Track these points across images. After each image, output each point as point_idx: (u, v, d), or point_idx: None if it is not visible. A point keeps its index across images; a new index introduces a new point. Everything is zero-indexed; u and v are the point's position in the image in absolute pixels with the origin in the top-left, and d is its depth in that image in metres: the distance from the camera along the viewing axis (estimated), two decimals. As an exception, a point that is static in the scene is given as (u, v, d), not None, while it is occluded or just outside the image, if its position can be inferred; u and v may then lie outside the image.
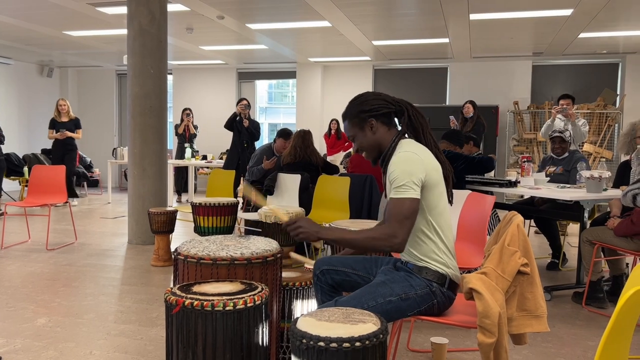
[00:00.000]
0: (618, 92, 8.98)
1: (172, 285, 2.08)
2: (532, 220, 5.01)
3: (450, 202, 1.96)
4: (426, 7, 6.10)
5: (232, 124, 6.73)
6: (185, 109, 9.27)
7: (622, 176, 4.29)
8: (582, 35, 7.32)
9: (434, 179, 1.85)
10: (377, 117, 1.94)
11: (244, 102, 6.80)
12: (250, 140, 6.83)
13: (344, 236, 1.80)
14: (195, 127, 9.32)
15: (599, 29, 6.97)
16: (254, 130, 6.83)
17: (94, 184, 10.94)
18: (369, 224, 3.17)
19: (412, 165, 1.80)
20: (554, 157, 4.89)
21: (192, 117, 9.26)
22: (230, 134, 6.90)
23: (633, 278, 1.15)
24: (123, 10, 6.33)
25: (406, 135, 1.98)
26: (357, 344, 1.30)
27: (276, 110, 21.11)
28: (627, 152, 4.17)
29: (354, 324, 1.37)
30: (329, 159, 8.71)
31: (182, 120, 9.22)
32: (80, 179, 9.89)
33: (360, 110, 1.95)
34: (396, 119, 2.00)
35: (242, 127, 6.74)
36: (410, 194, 1.77)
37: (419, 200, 1.79)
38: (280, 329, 2.34)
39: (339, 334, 1.32)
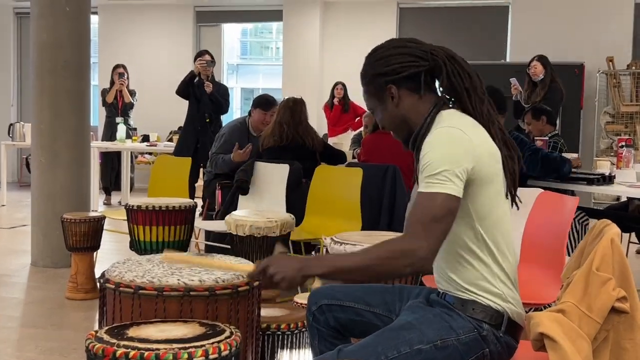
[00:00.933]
0: None
1: (96, 328, 2.09)
2: (633, 234, 5.04)
3: (515, 204, 1.96)
4: None
5: (188, 88, 6.74)
6: (116, 67, 9.26)
7: None
8: None
9: (488, 170, 1.85)
10: (399, 82, 1.94)
11: (206, 57, 6.80)
12: (214, 112, 6.85)
13: (343, 264, 1.80)
14: (132, 94, 9.31)
15: None
16: (221, 98, 6.84)
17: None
18: (389, 237, 3.18)
19: (456, 148, 1.80)
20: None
21: (128, 78, 9.25)
22: (185, 103, 6.90)
23: None
24: None
25: (450, 105, 1.98)
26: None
27: (253, 68, 21.13)
28: None
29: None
30: (331, 140, 8.73)
31: (112, 83, 9.21)
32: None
33: (376, 73, 1.96)
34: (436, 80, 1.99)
35: (202, 93, 6.74)
36: (448, 189, 1.76)
37: (460, 199, 1.79)
38: (258, 392, 2.35)
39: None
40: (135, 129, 9.29)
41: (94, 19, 11.12)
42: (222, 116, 7.03)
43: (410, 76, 1.93)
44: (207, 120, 6.80)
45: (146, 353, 1.67)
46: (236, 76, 20.17)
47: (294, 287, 1.80)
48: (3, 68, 11.77)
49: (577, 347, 1.78)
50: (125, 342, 1.72)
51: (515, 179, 1.96)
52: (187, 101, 6.85)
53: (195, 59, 6.85)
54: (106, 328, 1.87)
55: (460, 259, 1.89)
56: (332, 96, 9.54)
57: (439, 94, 1.98)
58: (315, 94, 10.22)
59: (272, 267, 1.80)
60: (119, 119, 9.00)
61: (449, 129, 1.84)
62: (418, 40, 1.99)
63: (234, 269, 2.05)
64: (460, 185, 1.78)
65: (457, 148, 1.80)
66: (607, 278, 1.83)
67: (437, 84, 1.99)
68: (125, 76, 9.19)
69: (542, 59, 7.43)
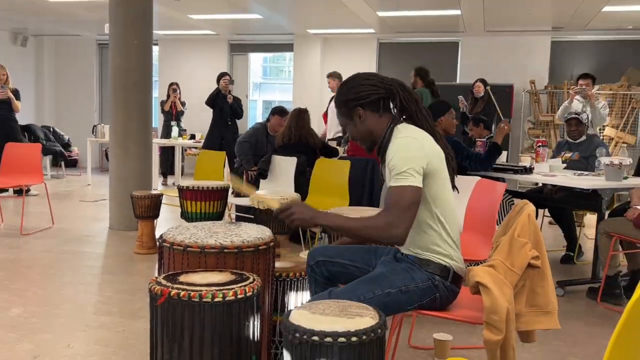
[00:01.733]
0: (644, 72, 8.96)
1: (156, 275, 2.11)
2: (546, 210, 5.04)
3: (456, 189, 1.98)
4: (436, -24, 6.07)
5: (215, 100, 6.78)
6: (171, 84, 9.24)
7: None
8: (607, 8, 7.28)
9: (436, 165, 1.86)
10: (364, 106, 1.94)
11: (227, 77, 6.85)
12: (232, 117, 6.90)
13: (342, 223, 1.82)
14: (183, 104, 9.30)
15: (625, 1, 6.93)
16: (238, 107, 6.90)
17: (73, 163, 10.92)
18: (369, 211, 3.20)
19: (412, 152, 1.82)
20: (570, 141, 4.91)
21: (180, 92, 9.24)
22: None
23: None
24: (104, -26, 6.28)
25: (403, 119, 1.99)
26: (354, 338, 1.33)
27: (271, 86, 21.03)
28: None
29: (351, 318, 1.40)
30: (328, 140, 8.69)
31: (168, 96, 9.20)
32: (57, 158, 9.89)
33: (346, 99, 1.96)
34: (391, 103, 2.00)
35: (225, 103, 6.80)
36: (411, 181, 1.78)
37: (421, 189, 1.80)
38: (273, 322, 2.37)
39: (334, 327, 1.35)
40: (184, 130, 9.29)
41: (155, 49, 11.08)
42: (237, 120, 7.07)
43: (373, 101, 1.94)
44: (229, 123, 6.88)
45: (192, 293, 1.68)
46: (259, 91, 20.09)
47: (305, 227, 1.83)
48: (89, 84, 11.73)
49: (502, 292, 1.80)
50: (177, 285, 1.74)
51: (453, 170, 1.99)
52: (212, 109, 6.87)
53: (219, 79, 6.86)
54: (163, 275, 1.88)
55: (419, 230, 1.91)
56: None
57: (393, 113, 1.98)
58: (317, 105, 10.17)
59: (295, 209, 1.85)
60: (173, 123, 9.03)
61: (406, 138, 1.85)
62: (378, 74, 1.99)
63: (270, 204, 2.00)
64: (420, 178, 1.80)
65: (413, 151, 1.82)
66: (524, 242, 1.85)
67: (391, 106, 1.99)
68: (178, 91, 9.19)
69: (482, 81, 7.44)
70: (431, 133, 1.95)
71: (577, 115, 4.79)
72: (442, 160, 1.90)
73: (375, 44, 10.14)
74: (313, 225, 1.84)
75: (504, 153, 4.73)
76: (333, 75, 7.75)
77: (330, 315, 1.41)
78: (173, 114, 9.14)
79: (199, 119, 10.81)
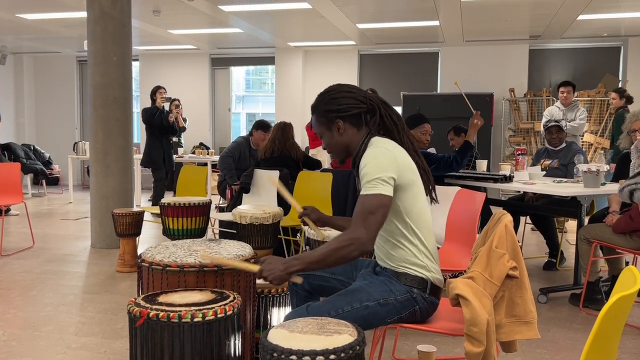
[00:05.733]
0: (620, 78, 9.12)
1: (137, 294, 2.09)
2: (528, 217, 5.09)
3: (434, 200, 1.99)
4: (414, -12, 6.13)
5: (153, 117, 6.80)
6: (173, 100, 9.07)
7: (622, 169, 4.38)
8: (582, 17, 7.41)
9: (408, 178, 1.87)
10: (345, 118, 1.95)
11: (162, 90, 6.91)
12: (169, 133, 7.00)
13: (314, 258, 1.76)
14: (184, 120, 9.18)
15: (600, 10, 7.06)
16: (175, 124, 7.00)
17: (54, 181, 10.81)
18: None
19: (384, 162, 1.82)
20: (550, 149, 4.96)
21: (181, 108, 9.11)
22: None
23: (620, 284, 1.19)
24: (82, -9, 6.26)
25: (381, 135, 2.00)
26: (332, 356, 1.33)
27: (254, 98, 21.03)
28: (627, 146, 4.25)
29: (329, 335, 1.39)
30: (311, 152, 8.70)
31: (169, 111, 9.07)
32: (38, 176, 9.78)
33: (327, 109, 1.96)
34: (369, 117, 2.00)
35: (164, 118, 6.82)
36: (379, 190, 1.78)
37: (390, 197, 1.81)
38: (256, 339, 2.36)
39: (312, 346, 1.34)
40: (181, 146, 9.25)
41: (136, 64, 11.04)
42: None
43: (354, 115, 1.95)
44: (170, 139, 7.09)
45: (171, 314, 1.67)
46: (242, 104, 20.07)
47: (284, 282, 1.76)
48: (69, 101, 11.64)
49: (482, 303, 1.81)
50: (156, 306, 1.73)
51: (430, 182, 2.00)
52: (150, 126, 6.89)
53: (153, 94, 6.96)
54: (142, 296, 1.87)
55: (396, 242, 1.91)
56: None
57: (370, 127, 1.97)
58: (299, 117, 10.19)
59: (265, 271, 1.76)
60: (175, 139, 8.93)
61: (378, 148, 1.86)
62: (358, 87, 2.00)
63: (244, 268, 1.87)
64: (389, 187, 1.81)
65: (384, 162, 1.82)
66: (502, 253, 1.86)
67: (370, 121, 1.98)
68: (180, 107, 9.03)
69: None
70: (408, 149, 1.96)
71: (557, 123, 4.85)
72: (414, 173, 1.91)
73: (356, 56, 10.21)
74: (289, 277, 1.77)
75: (485, 161, 4.76)
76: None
77: (308, 334, 1.41)
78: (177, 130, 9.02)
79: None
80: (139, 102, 11.12)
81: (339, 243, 1.75)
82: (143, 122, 6.92)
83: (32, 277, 4.37)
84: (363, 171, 1.83)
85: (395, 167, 1.84)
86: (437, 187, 2.59)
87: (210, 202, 4.21)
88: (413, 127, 4.02)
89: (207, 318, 1.69)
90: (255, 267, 1.81)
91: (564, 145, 4.89)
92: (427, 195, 1.99)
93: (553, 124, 4.87)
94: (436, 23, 7.90)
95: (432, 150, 4.75)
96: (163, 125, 6.78)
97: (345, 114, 1.94)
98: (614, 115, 6.93)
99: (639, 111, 4.49)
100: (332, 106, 1.95)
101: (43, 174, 9.79)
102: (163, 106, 6.81)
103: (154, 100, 6.96)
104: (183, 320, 1.67)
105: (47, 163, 10.18)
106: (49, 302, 3.75)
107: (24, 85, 11.54)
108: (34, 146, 10.19)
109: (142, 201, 8.98)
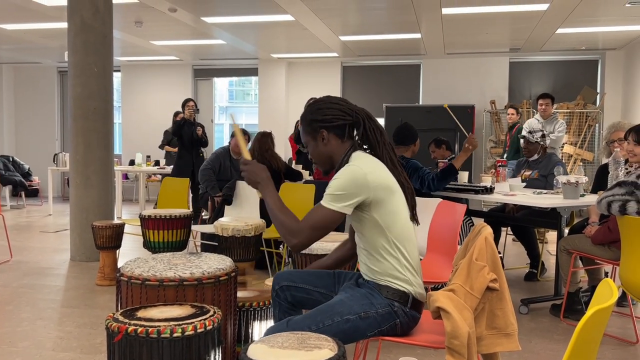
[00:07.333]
0: (598, 91, 9.27)
1: (116, 309, 2.06)
2: (509, 228, 5.13)
3: (415, 219, 1.99)
4: (396, 1, 6.19)
5: (182, 129, 6.66)
6: (188, 100, 8.87)
7: (601, 180, 4.44)
8: (560, 30, 7.55)
9: (381, 196, 1.88)
10: (330, 129, 1.97)
11: (192, 103, 6.72)
12: (199, 145, 6.82)
13: (271, 202, 1.89)
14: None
15: (577, 24, 7.19)
16: (204, 135, 6.79)
17: (34, 193, 10.67)
18: (335, 235, 3.19)
19: (351, 181, 1.84)
20: (530, 160, 5.02)
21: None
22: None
23: (597, 296, 1.20)
24: (63, 1, 6.22)
25: (364, 149, 2.01)
26: (313, 372, 1.32)
27: (238, 109, 21.01)
28: (607, 157, 4.32)
29: (309, 350, 1.38)
30: (294, 164, 8.70)
31: (199, 124, 8.91)
32: (17, 188, 9.64)
33: (313, 119, 1.98)
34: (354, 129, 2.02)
35: (193, 131, 6.67)
36: (334, 206, 1.84)
37: (342, 215, 1.85)
38: (237, 354, 2.33)
39: (292, 361, 1.33)
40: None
41: (117, 75, 10.98)
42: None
43: (339, 126, 1.97)
44: (201, 155, 6.85)
45: (150, 329, 1.65)
46: (225, 115, 20.05)
47: (250, 184, 1.95)
48: (50, 112, 11.52)
49: (463, 316, 1.81)
50: (135, 321, 1.70)
51: (411, 198, 2.00)
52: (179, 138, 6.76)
53: (183, 106, 6.74)
54: (121, 311, 1.84)
55: (379, 256, 1.91)
56: (296, 130, 9.50)
57: (356, 140, 2.01)
58: (283, 128, 10.20)
59: (250, 167, 1.93)
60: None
61: (352, 166, 1.87)
62: (347, 100, 2.02)
63: (244, 151, 2.05)
64: (347, 206, 1.84)
65: (352, 181, 1.84)
66: (482, 265, 1.87)
67: (355, 133, 2.02)
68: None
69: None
70: (390, 165, 1.97)
71: (525, 135, 4.92)
72: (391, 190, 1.91)
73: (339, 67, 10.26)
74: (255, 187, 1.94)
75: (466, 173, 4.79)
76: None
77: (288, 349, 1.40)
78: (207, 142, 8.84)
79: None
80: (120, 113, 11.04)
81: (289, 223, 1.85)
82: (172, 134, 6.88)
83: (9, 291, 4.29)
84: (330, 183, 1.87)
85: (366, 191, 1.85)
86: (418, 198, 2.60)
87: (191, 215, 4.18)
88: (413, 142, 4.11)
89: (186, 333, 1.67)
90: (248, 156, 2.01)
91: (539, 156, 4.93)
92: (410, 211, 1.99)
93: (523, 134, 4.96)
94: (418, 36, 7.98)
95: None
96: (193, 138, 6.69)
97: (330, 125, 1.96)
98: (515, 129, 7.28)
99: (618, 122, 4.57)
100: (317, 116, 1.97)
101: (22, 186, 9.65)
102: (194, 118, 6.72)
103: (180, 113, 6.88)
104: (162, 335, 1.64)
105: (27, 174, 10.04)
106: (25, 316, 3.68)
107: (3, 95, 11.40)
108: (13, 157, 10.06)
109: (122, 213, 8.89)
